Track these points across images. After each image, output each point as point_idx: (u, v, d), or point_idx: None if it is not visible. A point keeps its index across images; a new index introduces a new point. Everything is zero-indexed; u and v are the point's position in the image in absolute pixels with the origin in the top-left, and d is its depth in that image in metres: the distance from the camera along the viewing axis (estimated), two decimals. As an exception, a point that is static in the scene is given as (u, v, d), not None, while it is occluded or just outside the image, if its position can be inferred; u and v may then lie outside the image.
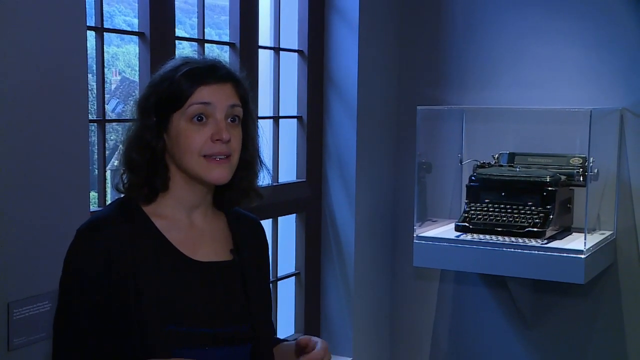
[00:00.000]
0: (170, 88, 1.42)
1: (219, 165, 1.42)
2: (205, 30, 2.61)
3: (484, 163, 2.87)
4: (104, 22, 2.09)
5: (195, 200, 1.49)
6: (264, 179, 1.61)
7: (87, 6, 1.87)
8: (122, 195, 1.48)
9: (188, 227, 1.48)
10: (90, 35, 2.03)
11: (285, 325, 2.95)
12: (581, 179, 2.72)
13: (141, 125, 1.44)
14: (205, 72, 1.44)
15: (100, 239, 1.39)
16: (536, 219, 2.62)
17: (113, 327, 1.39)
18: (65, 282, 1.42)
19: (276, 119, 2.81)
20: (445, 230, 2.82)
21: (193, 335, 1.41)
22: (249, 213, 1.64)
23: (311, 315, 2.98)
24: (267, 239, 1.70)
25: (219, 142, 1.41)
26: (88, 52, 1.89)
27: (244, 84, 1.50)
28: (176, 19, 2.32)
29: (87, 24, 1.93)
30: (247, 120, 1.50)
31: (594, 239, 2.67)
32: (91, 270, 1.38)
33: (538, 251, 2.54)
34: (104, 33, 2.07)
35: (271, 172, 2.56)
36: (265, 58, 2.78)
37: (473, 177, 2.79)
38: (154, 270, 1.41)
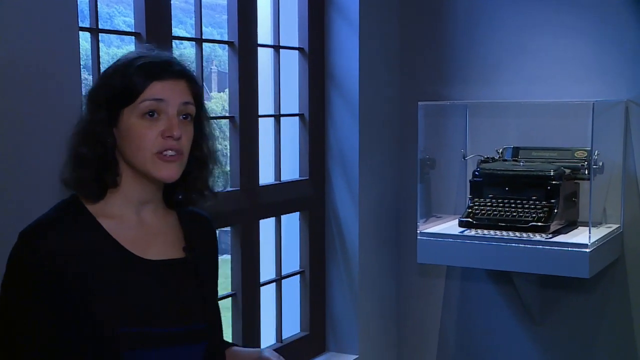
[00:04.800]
0: (122, 82, 1.39)
1: (169, 163, 1.40)
2: (207, 29, 2.61)
3: (487, 158, 2.85)
4: (103, 23, 2.09)
5: (144, 196, 1.45)
6: (221, 184, 1.59)
7: (84, 7, 1.87)
8: (67, 197, 1.44)
9: (137, 225, 1.45)
10: (87, 37, 2.03)
11: (291, 324, 2.94)
12: (586, 172, 2.69)
13: (91, 119, 1.41)
14: (159, 67, 1.41)
15: (45, 243, 1.34)
16: (540, 213, 2.60)
17: (63, 332, 1.35)
18: (8, 288, 1.36)
19: (277, 117, 2.80)
20: (450, 226, 2.80)
21: (146, 335, 1.38)
22: (200, 210, 1.61)
23: (316, 313, 2.98)
24: (218, 236, 1.67)
25: (170, 139, 1.39)
26: (85, 53, 1.89)
27: (198, 82, 1.47)
28: (177, 18, 2.33)
29: (83, 25, 1.93)
30: (200, 118, 1.48)
31: (600, 232, 2.64)
32: (36, 275, 1.33)
33: (542, 246, 2.51)
34: (102, 34, 2.08)
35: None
36: (265, 56, 2.77)
37: (476, 172, 2.77)
38: (102, 272, 1.37)
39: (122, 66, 1.42)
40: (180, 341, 1.42)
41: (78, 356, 1.35)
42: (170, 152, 1.39)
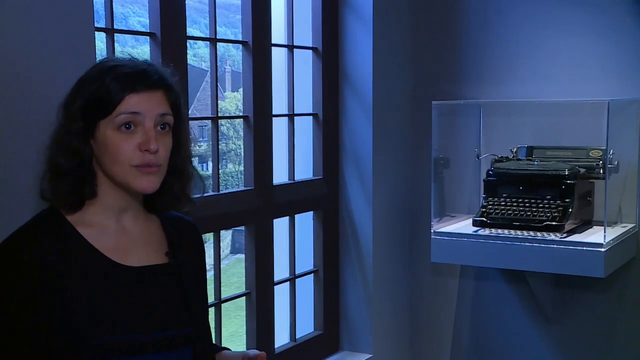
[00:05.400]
0: (97, 93, 1.37)
1: (148, 174, 1.38)
2: (222, 29, 2.62)
3: (501, 157, 2.84)
4: (118, 24, 2.11)
5: (123, 204, 1.44)
6: (200, 190, 1.58)
7: (99, 7, 1.88)
8: (46, 208, 1.44)
9: (118, 232, 1.44)
10: (103, 37, 2.05)
11: (305, 323, 2.94)
12: (601, 171, 2.68)
13: (67, 129, 1.40)
14: (135, 78, 1.38)
15: (25, 254, 1.34)
16: (555, 212, 2.59)
17: (46, 342, 1.33)
18: None
19: (291, 116, 2.80)
20: (464, 225, 2.79)
21: (129, 343, 1.36)
22: (186, 216, 1.60)
23: (330, 312, 2.98)
24: (204, 241, 1.64)
25: (147, 153, 1.37)
26: (101, 53, 1.90)
27: (175, 89, 1.45)
28: (191, 18, 2.33)
29: (98, 25, 1.94)
30: (178, 126, 1.46)
31: (615, 232, 2.63)
32: (16, 287, 1.33)
33: (557, 245, 2.51)
34: (116, 34, 2.09)
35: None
36: (279, 56, 2.78)
37: (490, 172, 2.77)
38: (82, 281, 1.36)
39: (98, 76, 1.39)
40: (164, 347, 1.41)
41: None
42: (148, 166, 1.38)
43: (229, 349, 1.64)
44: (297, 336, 2.86)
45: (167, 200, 1.50)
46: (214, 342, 1.65)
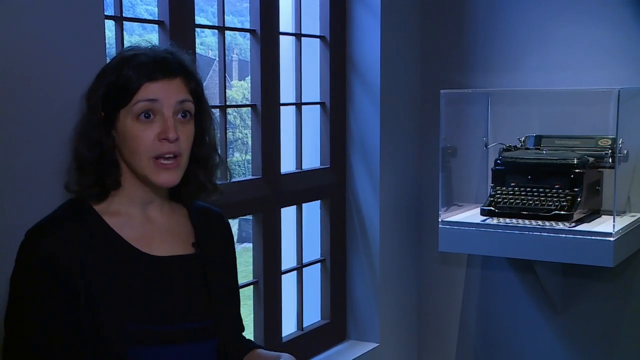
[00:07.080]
0: (116, 83, 1.37)
1: (168, 169, 1.38)
2: (229, 17, 2.61)
3: (509, 146, 2.83)
4: (125, 12, 2.10)
5: (148, 195, 1.44)
6: (228, 176, 1.57)
7: (107, -5, 1.87)
8: (73, 196, 1.44)
9: (144, 222, 1.44)
10: (111, 25, 2.04)
11: (312, 312, 2.95)
12: (610, 160, 2.67)
13: (88, 120, 1.40)
14: (153, 66, 1.37)
15: (50, 242, 1.34)
16: (563, 202, 2.58)
17: (67, 328, 1.34)
18: (16, 284, 1.37)
19: (299, 105, 2.80)
20: (471, 214, 2.79)
21: (151, 332, 1.37)
22: (213, 206, 1.60)
23: (337, 301, 2.98)
24: (233, 232, 1.64)
25: (166, 142, 1.36)
26: (109, 41, 1.89)
27: (196, 76, 1.44)
28: (198, 6, 2.31)
29: (107, 14, 1.94)
30: (200, 114, 1.45)
31: (624, 221, 2.62)
32: (41, 272, 1.33)
33: (565, 234, 2.50)
34: (124, 22, 2.08)
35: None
36: (287, 44, 2.77)
37: (499, 161, 2.76)
38: (107, 269, 1.36)
39: (116, 66, 1.40)
40: (186, 338, 1.41)
41: (82, 352, 1.34)
42: (168, 157, 1.37)
43: (263, 347, 1.62)
44: (304, 325, 2.86)
45: (193, 190, 1.50)
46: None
